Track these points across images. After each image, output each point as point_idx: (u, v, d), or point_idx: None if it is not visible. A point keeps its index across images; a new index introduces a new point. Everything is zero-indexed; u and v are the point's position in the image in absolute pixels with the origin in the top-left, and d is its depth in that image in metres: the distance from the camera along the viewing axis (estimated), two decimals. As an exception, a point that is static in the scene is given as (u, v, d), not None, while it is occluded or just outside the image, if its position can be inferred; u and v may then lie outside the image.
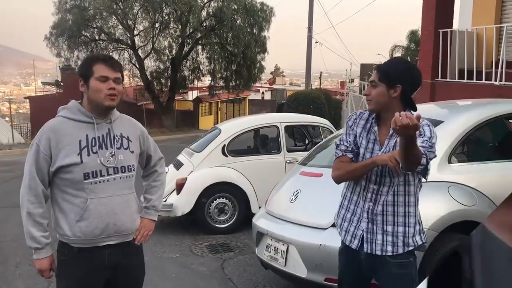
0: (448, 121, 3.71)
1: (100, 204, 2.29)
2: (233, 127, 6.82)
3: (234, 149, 6.64)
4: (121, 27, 23.69)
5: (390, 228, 2.32)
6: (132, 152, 2.43)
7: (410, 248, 2.32)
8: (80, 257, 2.33)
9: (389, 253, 2.31)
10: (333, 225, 3.38)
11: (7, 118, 28.35)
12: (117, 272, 2.41)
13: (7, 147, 17.34)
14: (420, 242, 2.35)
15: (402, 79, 2.29)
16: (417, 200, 2.36)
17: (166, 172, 6.54)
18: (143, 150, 2.56)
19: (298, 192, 3.88)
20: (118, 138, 2.39)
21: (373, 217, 2.34)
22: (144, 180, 2.68)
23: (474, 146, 3.98)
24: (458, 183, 3.43)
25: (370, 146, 2.39)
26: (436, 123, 3.66)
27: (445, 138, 3.52)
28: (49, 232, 2.34)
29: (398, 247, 2.32)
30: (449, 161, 3.52)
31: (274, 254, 3.76)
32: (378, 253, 2.33)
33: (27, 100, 34.69)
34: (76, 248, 2.32)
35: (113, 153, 2.34)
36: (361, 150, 2.42)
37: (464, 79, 8.66)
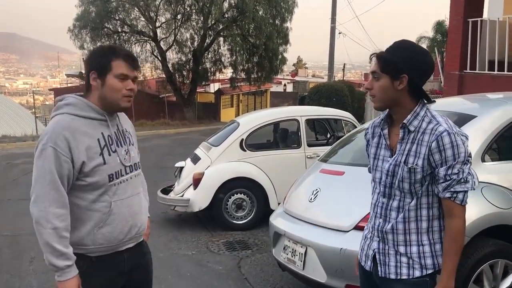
0: (482, 116, 3.42)
1: (123, 206, 2.12)
2: (252, 120, 6.62)
3: (253, 143, 6.44)
4: (143, 19, 23.73)
5: (402, 249, 1.98)
6: (136, 147, 2.29)
7: (429, 272, 1.97)
8: (98, 267, 2.12)
9: (404, 276, 1.98)
10: (355, 228, 3.19)
11: (33, 110, 28.80)
12: (133, 274, 2.25)
13: (31, 138, 17.53)
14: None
15: (407, 67, 1.89)
16: (433, 215, 1.96)
17: (183, 167, 6.52)
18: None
19: (318, 191, 3.66)
20: (128, 134, 2.23)
21: (384, 235, 2.02)
22: None
23: (511, 143, 3.68)
24: (492, 184, 3.15)
25: (382, 152, 2.05)
26: (468, 118, 3.41)
27: (478, 135, 3.25)
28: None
29: (415, 270, 1.96)
30: (483, 160, 3.24)
31: (292, 256, 3.56)
32: (392, 276, 1.99)
33: (52, 92, 35.30)
34: (93, 257, 2.11)
35: (127, 150, 2.17)
36: (371, 161, 2.10)
37: (494, 71, 8.27)
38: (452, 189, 1.90)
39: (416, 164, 1.91)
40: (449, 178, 1.89)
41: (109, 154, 2.09)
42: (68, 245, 2.01)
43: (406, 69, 1.91)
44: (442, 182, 1.91)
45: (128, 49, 23.87)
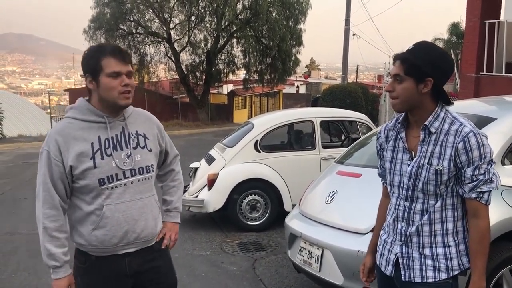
0: (502, 119, 3.38)
1: (117, 210, 2.09)
2: (266, 122, 6.62)
3: (267, 144, 6.44)
4: (157, 21, 23.87)
5: (428, 251, 1.96)
6: (150, 150, 2.20)
7: (455, 273, 1.96)
8: (99, 265, 2.15)
9: (430, 279, 1.94)
10: (373, 230, 3.16)
11: (48, 110, 29.15)
12: (141, 278, 2.22)
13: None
14: (467, 265, 1.95)
15: (434, 70, 1.89)
16: (458, 215, 1.96)
17: (198, 167, 6.54)
18: (162, 148, 2.32)
19: (334, 193, 3.64)
20: (134, 137, 2.15)
21: (407, 239, 1.99)
22: (159, 181, 2.41)
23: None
24: (513, 187, 3.11)
25: (400, 156, 2.02)
26: (488, 120, 3.37)
27: (498, 138, 3.20)
28: (67, 248, 2.10)
29: (441, 272, 1.94)
30: (503, 163, 3.19)
31: (308, 258, 3.55)
32: (418, 280, 1.96)
33: (67, 93, 35.70)
34: (94, 256, 2.15)
35: (129, 153, 2.11)
36: (387, 165, 2.07)
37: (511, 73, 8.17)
38: (478, 190, 1.89)
39: (442, 166, 1.90)
40: (476, 178, 1.88)
41: (102, 158, 2.07)
42: (59, 246, 2.06)
43: (431, 72, 1.90)
44: (469, 183, 1.90)
45: (142, 50, 24.10)
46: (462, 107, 3.89)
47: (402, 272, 2.00)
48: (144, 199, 2.16)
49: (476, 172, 1.88)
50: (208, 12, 23.66)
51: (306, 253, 3.59)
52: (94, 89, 2.09)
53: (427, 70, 1.89)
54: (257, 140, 6.21)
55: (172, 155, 2.42)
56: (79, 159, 2.05)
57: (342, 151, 4.98)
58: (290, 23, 23.55)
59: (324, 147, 6.47)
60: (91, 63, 2.05)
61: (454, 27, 25.86)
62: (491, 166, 1.89)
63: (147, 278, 2.23)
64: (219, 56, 24.76)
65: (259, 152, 6.19)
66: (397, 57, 1.96)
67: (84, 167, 2.05)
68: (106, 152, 2.08)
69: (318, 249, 3.46)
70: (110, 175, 2.08)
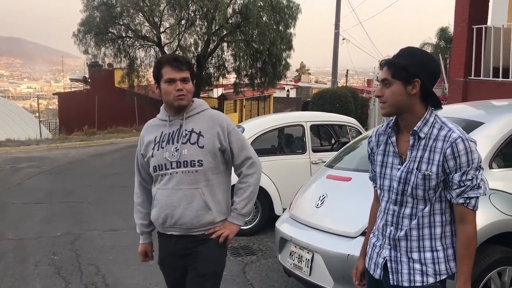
0: (489, 123, 3.42)
1: (162, 195, 2.42)
2: (257, 125, 6.62)
3: (258, 148, 6.40)
4: (147, 24, 23.79)
5: (416, 255, 1.97)
6: (202, 147, 2.41)
7: (443, 277, 1.97)
8: (159, 238, 2.57)
9: (418, 283, 1.95)
10: (363, 234, 3.18)
11: (37, 114, 28.87)
12: (188, 261, 2.45)
13: (35, 142, 17.58)
14: (455, 269, 1.96)
15: (420, 71, 1.91)
16: (446, 220, 1.97)
17: None
18: (224, 147, 2.46)
19: (324, 197, 3.65)
20: (187, 133, 2.43)
21: (396, 243, 2.00)
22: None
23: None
24: (500, 191, 3.15)
25: (390, 160, 2.04)
26: (476, 124, 3.40)
27: (486, 142, 3.24)
28: (149, 221, 2.58)
29: (428, 276, 1.95)
30: (490, 166, 3.23)
31: (298, 262, 3.55)
32: (406, 284, 1.98)
33: (56, 96, 35.37)
34: (157, 230, 2.57)
35: (177, 148, 2.40)
36: (377, 169, 2.09)
37: (499, 78, 8.27)
38: (465, 195, 1.91)
39: (430, 171, 1.91)
40: (463, 184, 1.90)
41: (157, 149, 2.45)
42: (141, 218, 2.60)
43: (418, 73, 1.92)
44: (456, 188, 1.91)
45: (132, 54, 24.04)
46: (450, 112, 3.93)
47: (391, 276, 2.02)
48: (185, 190, 2.40)
49: (464, 178, 1.89)
50: (198, 16, 23.65)
51: (296, 257, 3.60)
52: (160, 94, 2.48)
53: (413, 71, 1.91)
54: (247, 144, 6.20)
55: (241, 157, 2.52)
56: (146, 148, 2.50)
57: (332, 155, 5.00)
58: (280, 28, 23.62)
59: (314, 151, 6.49)
60: (155, 72, 2.45)
61: (443, 32, 26.09)
62: (479, 172, 1.91)
63: (190, 261, 2.45)
64: (209, 60, 24.76)
65: (250, 156, 6.18)
66: (383, 63, 1.99)
67: (148, 156, 2.49)
68: (162, 145, 2.45)
69: (308, 253, 3.47)
70: (160, 164, 2.44)
